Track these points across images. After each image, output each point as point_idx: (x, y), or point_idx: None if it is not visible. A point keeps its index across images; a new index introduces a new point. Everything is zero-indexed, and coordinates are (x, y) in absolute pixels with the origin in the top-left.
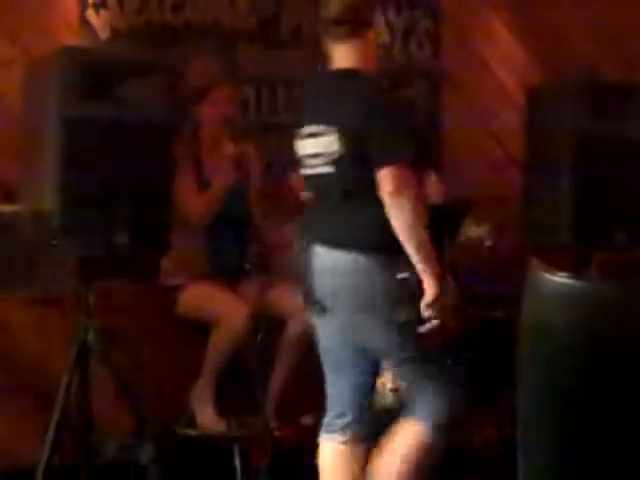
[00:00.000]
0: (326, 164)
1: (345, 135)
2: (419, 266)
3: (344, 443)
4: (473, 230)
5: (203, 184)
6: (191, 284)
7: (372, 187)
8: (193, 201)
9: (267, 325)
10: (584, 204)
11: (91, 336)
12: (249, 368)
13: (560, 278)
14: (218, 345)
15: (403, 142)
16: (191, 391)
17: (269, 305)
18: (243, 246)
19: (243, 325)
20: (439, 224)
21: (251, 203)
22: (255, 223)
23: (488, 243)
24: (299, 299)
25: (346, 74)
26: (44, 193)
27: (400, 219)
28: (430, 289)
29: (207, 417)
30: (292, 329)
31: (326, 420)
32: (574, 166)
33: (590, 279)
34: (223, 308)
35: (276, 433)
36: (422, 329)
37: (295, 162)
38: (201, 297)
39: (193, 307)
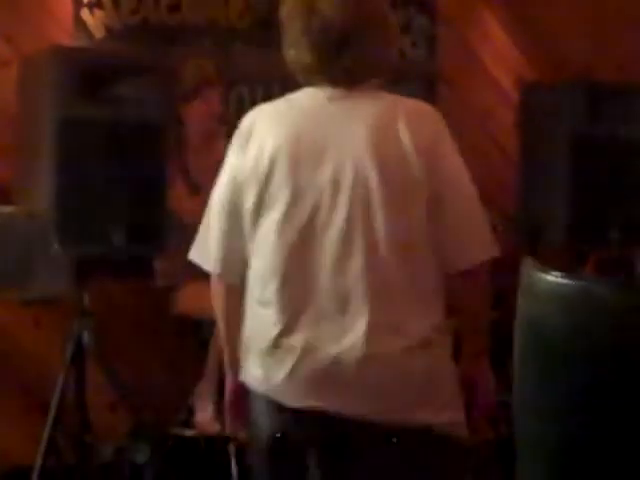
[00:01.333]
0: None
1: None
2: None
3: None
4: None
5: (191, 185)
6: (189, 284)
7: None
8: (184, 204)
9: None
10: (579, 203)
11: (87, 337)
12: None
13: (555, 277)
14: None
15: None
16: (191, 389)
17: None
18: None
19: None
20: None
21: None
22: None
23: None
24: None
25: None
26: (40, 193)
27: None
28: None
29: (205, 415)
30: None
31: None
32: (569, 165)
33: (585, 278)
34: None
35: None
36: None
37: None
38: (202, 296)
39: (193, 306)
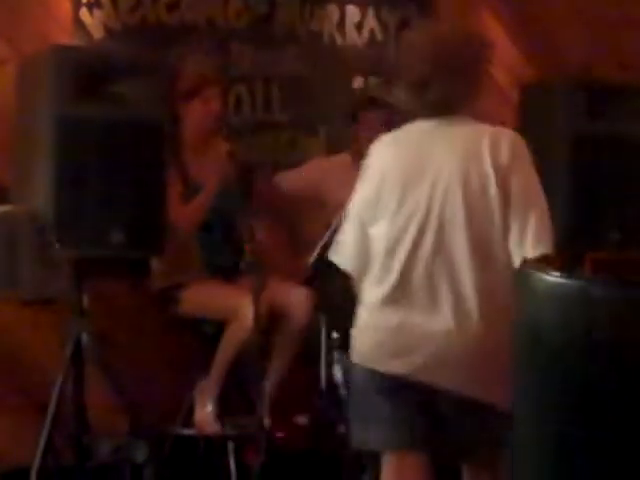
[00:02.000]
0: None
1: None
2: None
3: None
4: None
5: (189, 186)
6: (192, 283)
7: None
8: (179, 211)
9: (269, 323)
10: (579, 203)
11: (85, 337)
12: (243, 367)
13: (552, 277)
14: (231, 343)
15: None
16: (190, 389)
17: (265, 304)
18: (237, 245)
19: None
20: None
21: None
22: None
23: None
24: None
25: None
26: (38, 193)
27: None
28: None
29: (205, 413)
30: (287, 328)
31: None
32: (568, 164)
33: (583, 278)
34: (235, 305)
35: (276, 433)
36: None
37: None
38: (209, 295)
39: (199, 306)
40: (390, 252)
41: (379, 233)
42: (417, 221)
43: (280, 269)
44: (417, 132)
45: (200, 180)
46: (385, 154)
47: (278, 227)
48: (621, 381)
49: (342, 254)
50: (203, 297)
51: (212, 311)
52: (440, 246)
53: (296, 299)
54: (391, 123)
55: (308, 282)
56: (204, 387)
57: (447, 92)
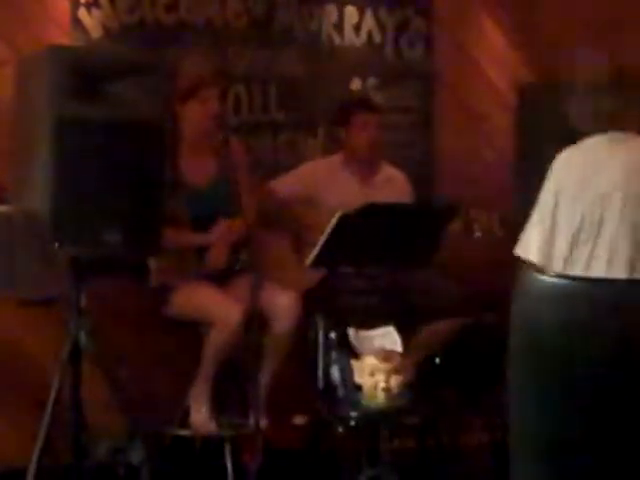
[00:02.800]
0: None
1: None
2: None
3: None
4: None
5: (183, 188)
6: (183, 285)
7: None
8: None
9: (259, 324)
10: None
11: (83, 336)
12: (240, 367)
13: (550, 278)
14: (215, 346)
15: None
16: (187, 389)
17: (259, 303)
18: (233, 247)
19: (239, 326)
20: (427, 227)
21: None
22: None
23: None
24: None
25: None
26: (37, 193)
27: None
28: None
29: (200, 416)
30: (279, 327)
31: None
32: None
33: (580, 278)
34: (219, 310)
35: (273, 433)
36: None
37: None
38: (195, 299)
39: (187, 309)
40: (569, 245)
41: (557, 232)
42: (586, 220)
43: (278, 272)
44: (591, 147)
45: (196, 181)
46: (563, 165)
47: (276, 230)
48: (622, 381)
49: (527, 248)
50: (192, 302)
51: (200, 316)
52: (603, 238)
53: (282, 303)
54: (383, 125)
55: (312, 287)
56: (195, 393)
57: (620, 111)
